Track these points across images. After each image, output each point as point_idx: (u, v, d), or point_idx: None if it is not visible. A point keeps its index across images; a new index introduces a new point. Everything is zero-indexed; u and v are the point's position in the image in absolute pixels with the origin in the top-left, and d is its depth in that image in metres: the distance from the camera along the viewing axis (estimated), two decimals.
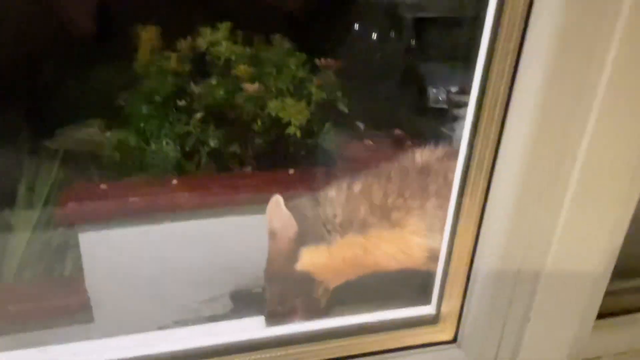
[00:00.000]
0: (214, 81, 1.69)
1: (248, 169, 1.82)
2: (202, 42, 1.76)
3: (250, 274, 1.84)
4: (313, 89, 1.70)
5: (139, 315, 1.67)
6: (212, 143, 1.77)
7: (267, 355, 0.73)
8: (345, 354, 0.75)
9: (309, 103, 1.73)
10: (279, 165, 1.80)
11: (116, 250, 1.60)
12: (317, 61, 1.81)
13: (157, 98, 1.73)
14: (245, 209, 1.72)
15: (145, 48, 1.74)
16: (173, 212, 1.62)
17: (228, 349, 0.72)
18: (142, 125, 1.70)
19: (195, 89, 1.76)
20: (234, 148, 1.81)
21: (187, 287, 1.72)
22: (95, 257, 1.57)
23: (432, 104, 2.52)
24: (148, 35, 1.72)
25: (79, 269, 1.58)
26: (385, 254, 0.94)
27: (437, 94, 2.54)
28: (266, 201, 1.75)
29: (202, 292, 1.76)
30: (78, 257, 1.58)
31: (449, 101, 2.53)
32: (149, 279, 1.65)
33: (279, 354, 0.73)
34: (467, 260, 0.72)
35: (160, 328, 1.71)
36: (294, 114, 1.59)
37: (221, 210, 1.69)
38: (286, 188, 1.71)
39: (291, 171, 1.72)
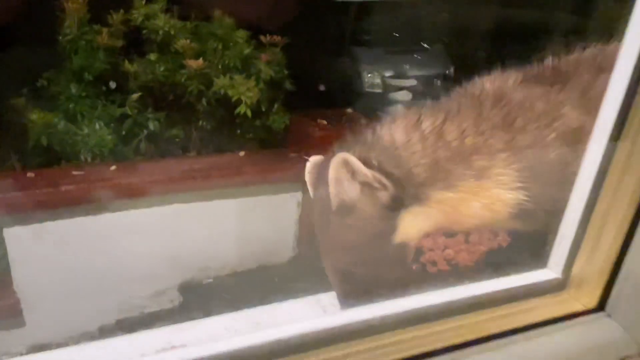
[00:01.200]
0: (152, 57, 1.55)
1: (193, 153, 1.70)
2: (136, 15, 1.61)
3: (199, 265, 1.74)
4: (262, 66, 1.61)
5: (77, 316, 1.52)
6: (152, 126, 1.64)
7: (373, 344, 0.54)
8: (458, 339, 0.55)
9: (257, 81, 1.63)
10: (227, 148, 1.70)
11: (48, 246, 1.44)
12: (262, 38, 1.72)
13: (88, 76, 1.57)
14: (190, 195, 1.61)
15: (72, 21, 1.56)
16: (112, 201, 1.48)
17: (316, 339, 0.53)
18: (71, 106, 1.53)
19: (130, 67, 1.61)
20: (176, 131, 1.69)
21: (130, 282, 1.60)
22: (25, 254, 1.41)
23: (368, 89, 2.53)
24: (75, 7, 1.54)
25: (4, 268, 1.41)
26: (473, 211, 0.79)
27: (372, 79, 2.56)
28: (215, 187, 1.66)
29: (147, 286, 1.64)
30: (3, 255, 1.41)
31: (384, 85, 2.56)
32: (87, 276, 1.50)
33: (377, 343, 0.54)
34: (621, 214, 0.58)
35: (102, 327, 1.59)
36: (244, 91, 1.50)
37: (165, 198, 1.57)
38: (238, 172, 1.62)
39: (242, 153, 1.63)
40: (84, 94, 1.57)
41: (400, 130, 0.83)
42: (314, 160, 0.90)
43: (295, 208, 1.73)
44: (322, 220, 0.84)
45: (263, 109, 1.67)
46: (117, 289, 1.56)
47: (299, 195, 1.71)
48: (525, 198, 0.79)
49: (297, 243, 1.77)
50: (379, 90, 2.62)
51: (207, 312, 1.48)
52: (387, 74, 2.67)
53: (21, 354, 1.43)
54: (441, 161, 0.79)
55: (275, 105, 1.72)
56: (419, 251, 1.26)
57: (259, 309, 0.78)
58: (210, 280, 1.65)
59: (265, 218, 1.71)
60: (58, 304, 1.48)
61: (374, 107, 2.08)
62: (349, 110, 1.85)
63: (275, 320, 0.76)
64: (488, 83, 0.87)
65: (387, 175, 0.79)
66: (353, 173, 0.78)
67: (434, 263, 1.17)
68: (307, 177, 0.90)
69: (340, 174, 0.78)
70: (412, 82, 2.39)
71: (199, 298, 1.59)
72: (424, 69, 2.44)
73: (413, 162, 0.80)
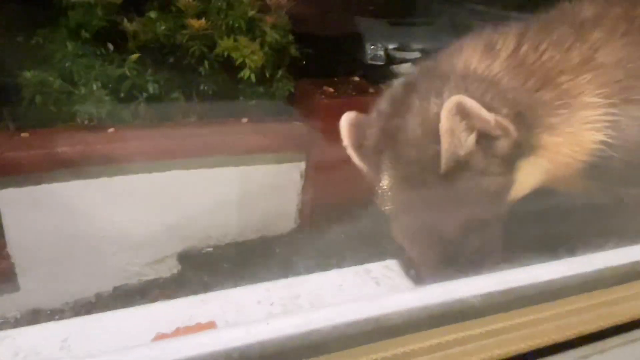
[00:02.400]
0: (152, 15, 1.48)
1: (193, 119, 1.64)
2: None
3: (199, 234, 1.70)
4: (267, 29, 1.54)
5: (73, 281, 1.49)
6: (151, 88, 1.58)
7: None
8: (594, 325, 0.40)
9: (262, 45, 1.57)
10: (229, 114, 1.64)
11: (44, 209, 1.39)
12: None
13: (85, 34, 1.50)
14: (190, 162, 1.56)
15: None
16: (110, 165, 1.43)
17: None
18: (67, 65, 1.46)
19: (129, 26, 1.54)
20: (177, 95, 1.63)
21: (128, 248, 1.56)
22: (19, 217, 1.36)
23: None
24: None
25: None
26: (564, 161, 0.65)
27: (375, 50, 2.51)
28: (216, 153, 1.60)
29: (145, 253, 1.60)
30: None
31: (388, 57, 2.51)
32: (84, 241, 1.46)
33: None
34: None
35: (99, 294, 1.55)
36: (248, 54, 1.43)
37: (164, 163, 1.52)
38: (239, 139, 1.57)
39: (244, 120, 1.58)
40: (80, 52, 1.49)
41: (484, 59, 0.68)
42: (351, 117, 0.75)
43: (298, 178, 1.69)
44: (410, 188, 0.68)
45: (267, 75, 1.61)
46: (114, 256, 1.52)
47: (302, 165, 1.67)
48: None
49: (298, 214, 1.73)
50: (381, 63, 2.58)
51: (207, 283, 1.46)
52: (391, 46, 2.62)
53: (16, 319, 1.40)
54: (531, 91, 0.67)
55: (280, 72, 1.66)
56: None
57: (297, 280, 0.67)
58: (210, 249, 1.62)
59: (267, 188, 1.67)
60: (53, 269, 1.44)
61: (377, 79, 2.03)
62: (356, 78, 1.79)
63: (321, 294, 0.64)
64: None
65: (511, 115, 0.64)
66: (469, 120, 0.62)
67: None
68: (347, 139, 0.76)
69: (454, 122, 0.62)
70: (415, 55, 2.34)
71: (199, 267, 1.55)
72: (428, 42, 2.39)
73: (516, 98, 0.66)
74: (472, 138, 0.64)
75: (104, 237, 1.47)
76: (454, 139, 0.63)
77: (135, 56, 1.54)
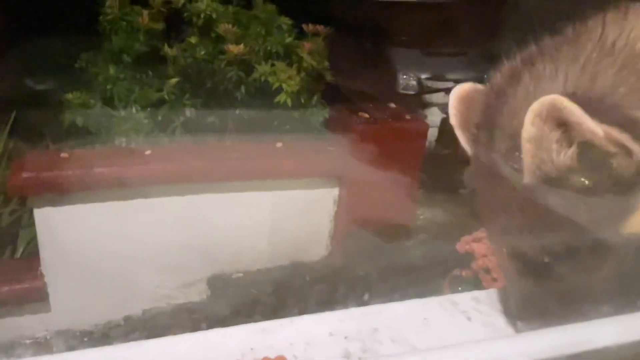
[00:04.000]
0: (193, 40, 1.50)
1: (228, 142, 1.64)
2: None
3: (229, 258, 1.69)
4: (304, 55, 1.54)
5: (103, 303, 1.48)
6: (188, 112, 1.59)
7: None
8: None
9: (298, 71, 1.57)
10: (264, 138, 1.64)
11: (78, 229, 1.40)
12: (305, 27, 1.66)
13: (127, 58, 1.53)
14: (224, 185, 1.56)
15: (114, 1, 1.53)
16: (144, 186, 1.43)
17: None
18: (108, 87, 1.49)
19: (170, 51, 1.56)
20: (213, 119, 1.64)
21: (158, 271, 1.55)
22: (54, 235, 1.37)
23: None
24: None
25: (33, 250, 1.38)
26: None
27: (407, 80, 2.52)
28: (249, 177, 1.59)
29: (175, 276, 1.58)
30: (33, 237, 1.38)
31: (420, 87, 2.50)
32: (116, 262, 1.46)
33: None
34: None
35: (128, 317, 1.54)
36: (285, 79, 1.44)
37: (198, 186, 1.51)
38: (273, 164, 1.56)
39: (279, 145, 1.57)
40: (122, 75, 1.53)
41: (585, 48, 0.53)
42: (463, 90, 0.62)
43: (331, 205, 1.66)
44: (497, 189, 0.57)
45: (302, 100, 1.61)
46: (144, 278, 1.51)
47: (335, 192, 1.64)
48: None
49: (330, 241, 1.70)
50: (412, 92, 2.57)
51: (236, 308, 1.43)
52: (424, 75, 2.62)
53: (45, 339, 1.40)
54: None
55: (315, 97, 1.65)
56: (469, 256, 1.16)
57: (373, 309, 0.59)
58: (240, 274, 1.59)
59: (299, 213, 1.64)
60: (84, 290, 1.44)
61: (410, 107, 2.01)
62: (392, 105, 1.77)
63: (403, 329, 0.55)
64: None
65: (628, 125, 0.48)
66: (566, 128, 0.48)
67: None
68: (454, 118, 0.64)
69: (543, 130, 0.49)
70: (449, 85, 2.33)
71: (228, 292, 1.53)
72: (461, 72, 2.38)
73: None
74: (569, 153, 0.50)
75: (135, 259, 1.47)
76: (540, 152, 0.50)
77: (174, 80, 1.56)
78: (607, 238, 0.54)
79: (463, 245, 1.15)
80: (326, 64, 1.66)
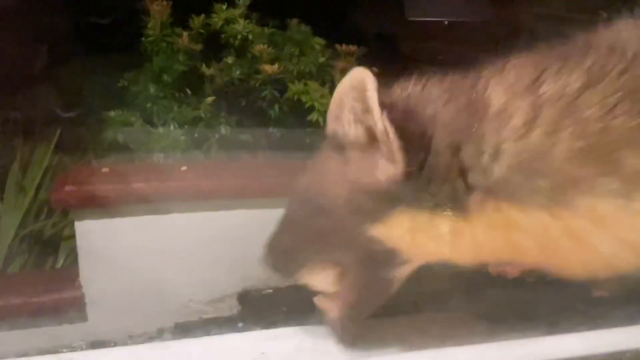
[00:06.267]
0: (229, 60, 1.55)
1: (262, 160, 1.68)
2: (216, 20, 1.63)
3: (260, 274, 1.70)
4: (337, 75, 1.57)
5: (137, 315, 1.51)
6: (223, 130, 1.64)
7: None
8: None
9: (331, 90, 1.60)
10: (297, 156, 1.66)
11: (116, 242, 1.44)
12: (338, 47, 1.69)
13: (167, 78, 1.60)
14: (257, 202, 1.58)
15: (155, 23, 1.59)
16: (180, 201, 1.47)
17: None
18: (149, 106, 1.55)
19: (207, 70, 1.62)
20: (247, 136, 1.68)
21: (190, 285, 1.57)
22: (93, 248, 1.42)
23: None
24: (158, 9, 1.58)
25: (73, 261, 1.43)
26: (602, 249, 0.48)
27: None
28: (282, 194, 1.61)
29: (206, 291, 1.61)
30: (73, 248, 1.43)
31: None
32: (150, 275, 1.49)
33: None
34: None
35: (161, 329, 1.56)
36: (317, 98, 1.46)
37: (231, 202, 1.54)
38: None
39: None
40: (161, 94, 1.59)
41: (500, 88, 0.54)
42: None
43: None
44: None
45: None
46: (177, 292, 1.54)
47: None
48: None
49: None
50: None
51: (267, 323, 1.44)
52: None
53: (81, 348, 1.43)
54: (561, 151, 0.49)
55: None
56: None
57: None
58: (271, 290, 1.60)
59: None
60: (120, 302, 1.47)
61: None
62: None
63: None
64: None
65: (418, 142, 0.49)
66: (364, 106, 0.51)
67: None
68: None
69: (348, 96, 0.54)
70: None
71: (259, 308, 1.54)
72: None
73: (497, 143, 0.50)
74: (358, 130, 0.53)
75: (169, 272, 1.50)
76: (339, 112, 0.54)
77: (210, 99, 1.62)
78: (354, 233, 0.55)
79: None
80: None
